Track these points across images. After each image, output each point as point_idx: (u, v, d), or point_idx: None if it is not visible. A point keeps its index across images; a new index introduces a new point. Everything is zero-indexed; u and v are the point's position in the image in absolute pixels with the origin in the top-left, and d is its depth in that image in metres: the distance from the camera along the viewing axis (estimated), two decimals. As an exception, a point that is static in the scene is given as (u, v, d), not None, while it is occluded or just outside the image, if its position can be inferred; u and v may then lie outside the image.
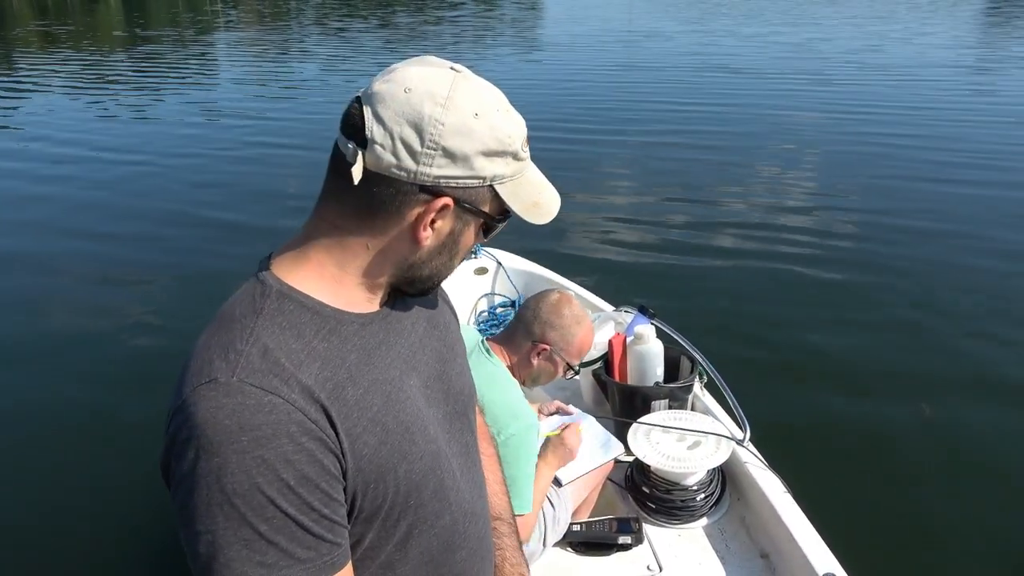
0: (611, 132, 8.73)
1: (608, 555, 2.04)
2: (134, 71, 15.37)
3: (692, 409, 2.46)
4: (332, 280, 0.86)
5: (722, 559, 2.02)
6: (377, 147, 0.81)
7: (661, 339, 2.53)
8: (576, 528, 2.07)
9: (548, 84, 11.96)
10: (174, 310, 4.74)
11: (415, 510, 0.88)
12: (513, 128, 0.85)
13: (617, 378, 2.49)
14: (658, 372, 2.48)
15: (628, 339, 2.53)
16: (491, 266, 3.51)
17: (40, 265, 5.52)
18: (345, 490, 0.80)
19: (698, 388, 2.52)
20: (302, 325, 0.83)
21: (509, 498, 1.25)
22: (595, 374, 2.61)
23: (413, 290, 0.93)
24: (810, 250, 5.26)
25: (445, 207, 0.83)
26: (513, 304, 3.44)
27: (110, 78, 14.42)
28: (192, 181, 7.46)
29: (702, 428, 2.22)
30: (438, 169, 0.82)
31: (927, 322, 4.24)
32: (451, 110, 0.81)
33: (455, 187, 0.83)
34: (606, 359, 2.54)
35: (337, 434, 0.79)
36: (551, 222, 0.93)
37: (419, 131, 0.80)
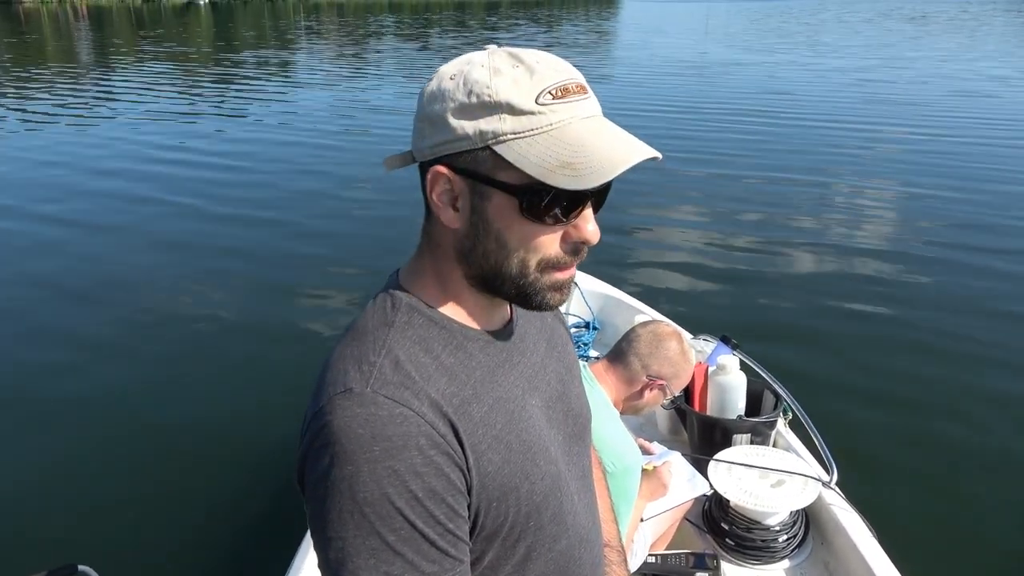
0: (690, 159, 8.63)
1: (683, 591, 1.98)
2: (221, 80, 15.97)
3: (774, 446, 2.38)
4: (443, 291, 0.86)
5: (804, 605, 1.94)
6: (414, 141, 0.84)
7: (743, 371, 2.47)
8: (651, 560, 2.01)
9: (620, 106, 11.93)
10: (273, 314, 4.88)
11: (534, 532, 0.86)
12: (502, 80, 0.76)
13: (697, 408, 2.43)
14: (740, 405, 2.41)
15: (710, 369, 2.47)
16: (567, 286, 3.48)
17: (140, 271, 5.75)
18: (469, 506, 0.80)
19: (781, 424, 2.44)
20: (431, 339, 0.83)
21: (617, 526, 1.22)
22: (674, 402, 2.55)
23: (509, 297, 0.85)
24: (901, 286, 5.07)
25: (440, 175, 0.79)
26: (587, 326, 3.41)
27: (199, 86, 15.02)
28: (276, 190, 7.70)
29: (787, 467, 2.14)
30: (423, 139, 0.80)
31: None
32: (434, 80, 0.81)
33: (447, 153, 0.79)
34: (687, 388, 2.48)
35: (463, 449, 0.78)
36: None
37: (416, 112, 0.83)
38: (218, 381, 4.05)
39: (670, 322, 3.06)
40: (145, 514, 3.02)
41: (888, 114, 11.03)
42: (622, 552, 1.18)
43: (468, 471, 0.79)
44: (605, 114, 0.82)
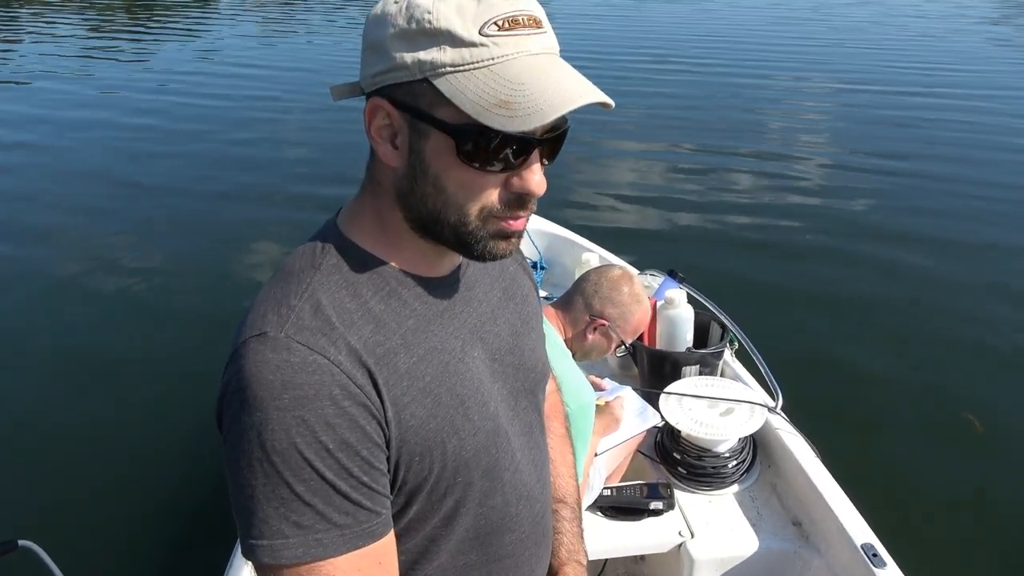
0: (629, 95, 8.57)
1: (639, 520, 2.03)
2: (134, 24, 15.12)
3: (722, 376, 2.44)
4: (383, 234, 0.81)
5: (754, 526, 2.00)
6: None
7: (691, 304, 2.50)
8: (607, 493, 2.05)
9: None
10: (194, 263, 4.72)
11: (463, 487, 0.84)
12: (446, 6, 0.70)
13: (646, 343, 2.46)
14: (688, 337, 2.44)
15: (658, 303, 2.49)
16: (513, 227, 3.46)
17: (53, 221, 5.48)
18: (388, 460, 0.77)
19: (728, 355, 2.49)
20: (360, 284, 0.78)
21: (576, 481, 1.19)
22: (627, 350, 2.57)
23: (450, 245, 0.79)
24: (838, 214, 5.18)
25: (378, 108, 0.75)
26: (535, 266, 3.40)
27: (107, 29, 14.20)
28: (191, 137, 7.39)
29: (735, 395, 2.19)
30: (366, 67, 0.76)
31: (969, 289, 4.16)
32: (379, 3, 0.76)
33: (387, 84, 0.74)
34: (637, 327, 2.50)
35: (382, 401, 0.75)
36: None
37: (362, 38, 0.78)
38: (160, 342, 3.93)
39: (622, 263, 3.07)
40: (85, 485, 2.94)
41: (823, 54, 11.13)
42: (576, 509, 1.15)
43: (386, 424, 0.75)
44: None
